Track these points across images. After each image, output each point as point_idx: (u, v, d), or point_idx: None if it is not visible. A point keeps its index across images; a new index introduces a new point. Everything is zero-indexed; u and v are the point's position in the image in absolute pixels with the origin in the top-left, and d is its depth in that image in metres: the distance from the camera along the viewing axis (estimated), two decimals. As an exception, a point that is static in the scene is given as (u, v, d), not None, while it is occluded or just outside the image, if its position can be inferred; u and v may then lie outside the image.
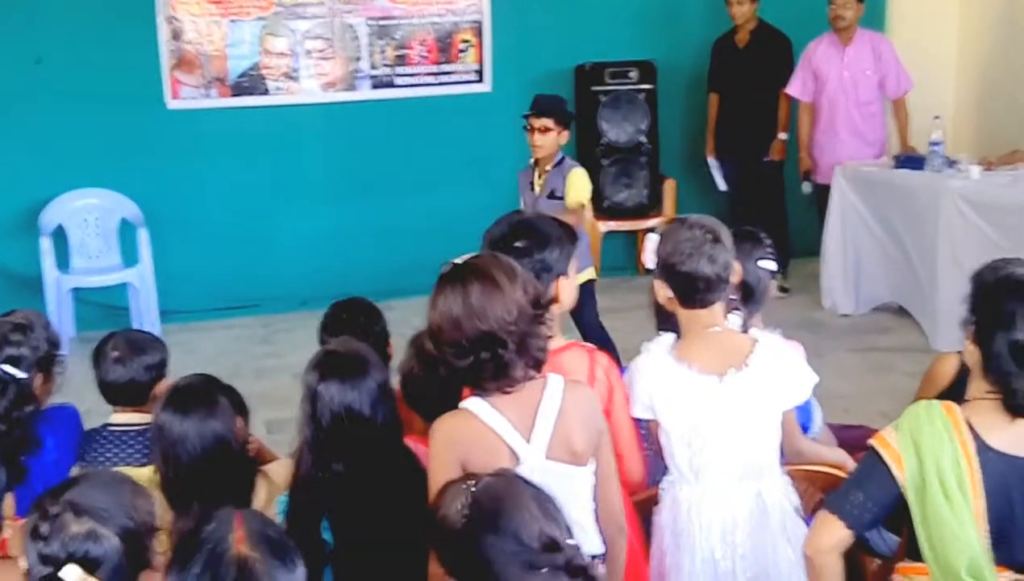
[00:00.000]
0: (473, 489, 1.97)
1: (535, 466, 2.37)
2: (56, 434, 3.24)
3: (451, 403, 2.52)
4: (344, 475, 2.57)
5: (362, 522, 2.57)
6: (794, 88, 7.36)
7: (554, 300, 2.77)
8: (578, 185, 5.30)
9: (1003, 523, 2.32)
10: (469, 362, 2.35)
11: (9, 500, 2.36)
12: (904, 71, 7.17)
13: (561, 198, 5.27)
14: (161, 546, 2.12)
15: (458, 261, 2.44)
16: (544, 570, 1.88)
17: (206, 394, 2.80)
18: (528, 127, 5.33)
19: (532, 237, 2.81)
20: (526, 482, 2.03)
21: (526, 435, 2.40)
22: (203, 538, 1.78)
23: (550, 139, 5.30)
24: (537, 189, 5.38)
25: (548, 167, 5.36)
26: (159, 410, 2.77)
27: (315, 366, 2.64)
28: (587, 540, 2.48)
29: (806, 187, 7.49)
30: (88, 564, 1.90)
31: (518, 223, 2.89)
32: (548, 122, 5.28)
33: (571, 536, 1.97)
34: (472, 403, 2.42)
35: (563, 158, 5.41)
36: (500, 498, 1.94)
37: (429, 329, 2.41)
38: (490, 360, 2.34)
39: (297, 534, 2.53)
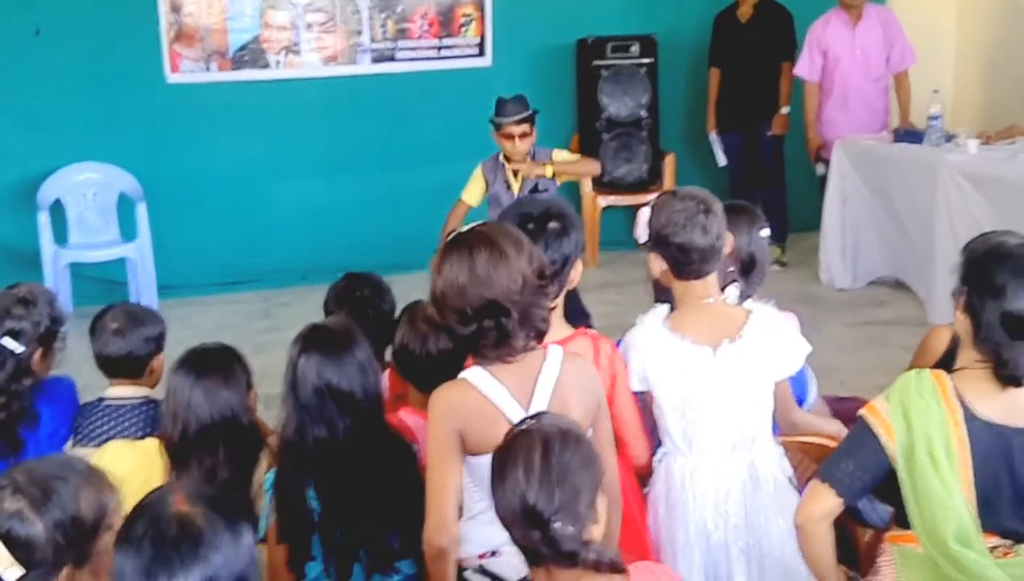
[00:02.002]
0: (522, 427, 2.08)
1: None
2: (52, 406, 3.25)
3: (443, 374, 2.54)
4: (324, 444, 2.59)
5: (344, 492, 2.59)
6: (802, 69, 7.31)
7: (571, 280, 2.82)
8: (563, 153, 5.43)
9: (989, 491, 2.33)
10: (472, 330, 2.35)
11: None
12: (909, 45, 7.16)
13: (545, 190, 5.21)
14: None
15: (464, 229, 2.43)
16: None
17: (223, 361, 2.84)
18: (507, 134, 5.23)
19: (565, 220, 2.82)
20: (583, 458, 2.05)
21: (525, 405, 2.40)
22: (145, 503, 1.81)
23: (528, 142, 5.24)
24: (515, 189, 5.28)
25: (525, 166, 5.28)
26: (172, 371, 2.81)
27: (299, 339, 2.67)
28: None
29: (820, 169, 7.38)
30: (11, 543, 1.89)
31: (551, 205, 2.87)
32: (527, 127, 5.23)
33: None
34: (472, 373, 2.42)
35: (533, 153, 5.32)
36: (514, 450, 2.02)
37: (432, 295, 2.40)
38: (493, 328, 2.34)
39: (284, 502, 2.56)
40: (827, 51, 7.20)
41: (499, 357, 2.39)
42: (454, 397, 2.42)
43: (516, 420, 2.36)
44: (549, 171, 5.19)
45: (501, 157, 5.31)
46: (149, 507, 1.79)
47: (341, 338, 2.66)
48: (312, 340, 2.65)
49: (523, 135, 5.20)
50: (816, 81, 7.29)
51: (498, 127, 5.25)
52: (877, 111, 7.26)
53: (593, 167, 5.87)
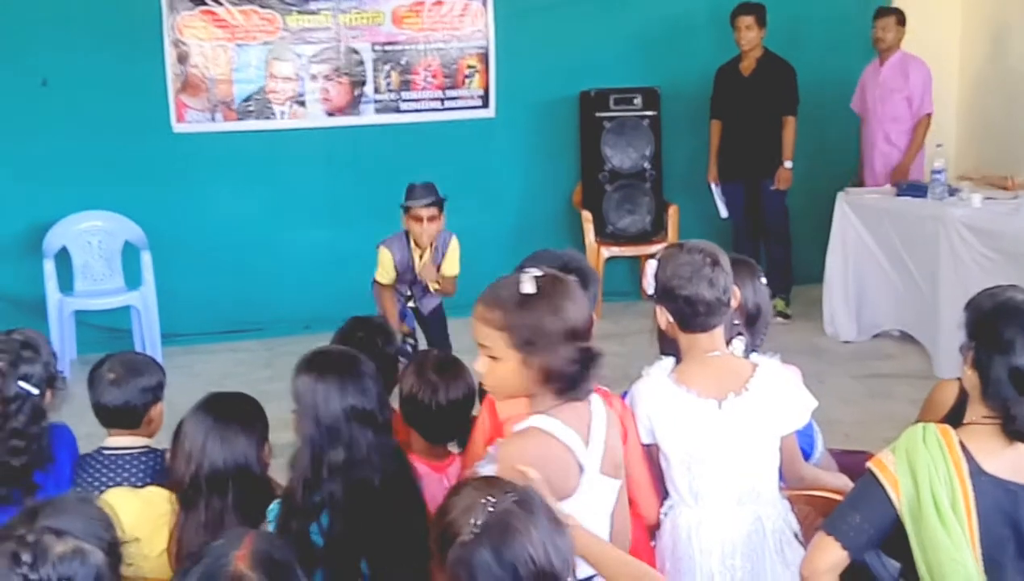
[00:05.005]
0: (490, 509, 1.95)
1: (593, 479, 2.38)
2: (61, 451, 3.25)
3: (452, 424, 2.51)
4: (342, 468, 2.57)
5: (357, 523, 2.56)
6: (854, 104, 7.77)
7: None
8: (455, 256, 5.61)
9: (995, 548, 2.32)
10: (579, 365, 2.33)
11: None
12: (928, 93, 7.41)
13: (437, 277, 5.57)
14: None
15: (538, 272, 2.39)
16: None
17: (243, 410, 2.83)
18: (416, 217, 5.42)
19: (584, 274, 2.82)
20: (544, 508, 2.01)
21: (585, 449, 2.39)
22: (207, 551, 1.81)
23: (436, 226, 5.46)
24: (419, 268, 5.55)
25: (430, 247, 5.52)
26: (192, 412, 2.79)
27: (308, 365, 2.66)
28: None
29: None
30: None
31: (570, 259, 2.87)
32: (435, 211, 5.44)
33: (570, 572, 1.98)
34: (539, 420, 2.37)
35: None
36: (511, 528, 1.93)
37: (564, 331, 2.34)
38: (590, 366, 2.34)
39: (288, 537, 2.54)
40: (862, 88, 7.64)
41: (576, 396, 2.38)
42: (528, 447, 2.35)
43: (584, 463, 2.36)
44: (432, 286, 5.61)
45: (407, 237, 5.54)
46: (211, 555, 1.79)
47: (350, 360, 2.67)
48: (322, 364, 2.65)
49: (431, 218, 5.42)
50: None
51: (407, 210, 5.44)
52: (899, 146, 7.48)
53: (451, 290, 5.79)
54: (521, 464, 2.30)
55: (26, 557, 1.87)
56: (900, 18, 7.43)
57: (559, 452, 2.35)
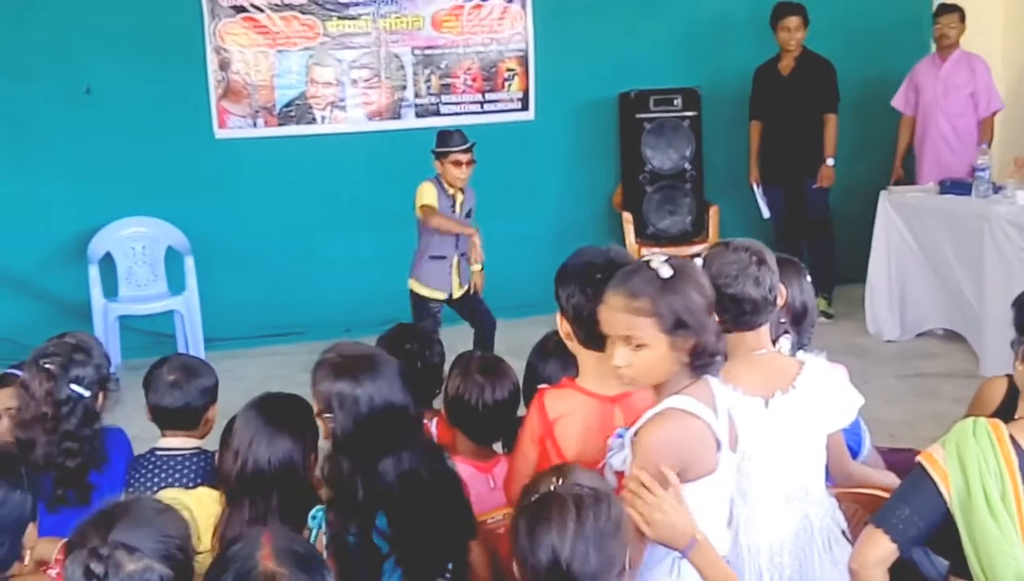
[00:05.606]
0: (549, 490, 2.05)
1: (726, 453, 2.40)
2: (116, 453, 3.32)
3: (498, 424, 2.49)
4: (395, 465, 2.56)
5: (412, 514, 2.55)
6: (898, 101, 7.72)
7: None
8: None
9: None
10: (718, 339, 2.37)
11: (32, 529, 2.39)
12: (995, 91, 7.44)
13: (469, 212, 6.02)
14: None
15: (663, 256, 2.40)
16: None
17: (295, 412, 2.84)
18: (456, 161, 5.79)
19: None
20: (604, 516, 2.03)
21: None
22: (231, 556, 1.83)
23: (471, 170, 5.91)
24: (458, 209, 5.92)
25: (461, 191, 5.92)
26: (243, 410, 2.81)
27: (337, 368, 2.65)
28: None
29: None
30: None
31: (615, 255, 2.87)
32: (471, 155, 5.84)
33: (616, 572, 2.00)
34: (676, 401, 2.35)
35: None
36: (547, 515, 2.00)
37: (709, 303, 2.38)
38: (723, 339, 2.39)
39: (347, 546, 2.53)
40: (917, 86, 7.58)
41: (713, 371, 2.41)
42: (673, 431, 2.33)
43: (721, 438, 2.38)
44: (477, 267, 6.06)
45: (444, 181, 5.86)
46: (237, 560, 1.81)
47: (376, 358, 2.68)
48: (349, 366, 2.65)
49: (469, 162, 5.81)
50: (911, 115, 7.66)
51: (446, 155, 5.80)
52: (959, 143, 7.48)
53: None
54: (666, 448, 2.30)
55: (97, 570, 1.90)
56: (962, 15, 7.43)
57: (701, 430, 2.35)
